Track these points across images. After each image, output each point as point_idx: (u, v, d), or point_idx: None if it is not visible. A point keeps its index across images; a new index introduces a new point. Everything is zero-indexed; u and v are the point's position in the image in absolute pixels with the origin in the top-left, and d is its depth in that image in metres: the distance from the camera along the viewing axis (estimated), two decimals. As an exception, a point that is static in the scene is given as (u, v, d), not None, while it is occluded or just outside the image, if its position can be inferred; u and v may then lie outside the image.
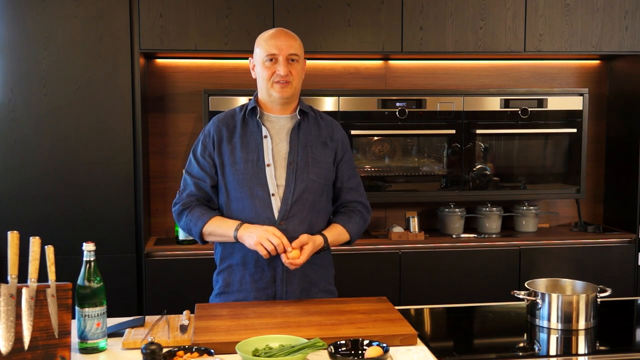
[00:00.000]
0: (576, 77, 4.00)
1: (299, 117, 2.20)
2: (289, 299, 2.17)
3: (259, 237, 2.03)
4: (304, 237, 2.08)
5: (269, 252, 2.03)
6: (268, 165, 2.15)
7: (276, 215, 2.13)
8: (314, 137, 2.21)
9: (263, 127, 2.18)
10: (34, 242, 1.68)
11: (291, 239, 2.10)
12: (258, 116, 2.18)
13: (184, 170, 2.27)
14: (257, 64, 2.17)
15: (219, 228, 2.14)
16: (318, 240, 2.13)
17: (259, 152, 2.16)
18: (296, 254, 2.05)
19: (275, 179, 2.14)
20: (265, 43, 2.14)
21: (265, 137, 2.17)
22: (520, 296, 2.09)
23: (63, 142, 3.27)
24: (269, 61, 2.13)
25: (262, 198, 2.13)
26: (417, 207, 3.89)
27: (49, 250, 1.72)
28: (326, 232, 2.19)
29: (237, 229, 2.10)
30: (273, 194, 2.14)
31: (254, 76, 2.22)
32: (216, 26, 3.36)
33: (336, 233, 2.22)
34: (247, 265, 2.18)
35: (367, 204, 2.32)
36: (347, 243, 2.28)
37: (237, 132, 2.18)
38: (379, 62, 3.83)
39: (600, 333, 2.01)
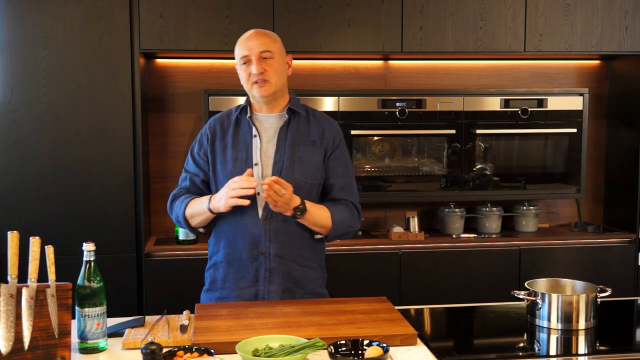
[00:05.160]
0: (576, 77, 4.00)
1: (287, 116, 2.20)
2: (271, 299, 2.14)
3: (226, 196, 2.03)
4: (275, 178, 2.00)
5: (249, 197, 2.03)
6: (256, 164, 2.16)
7: (260, 213, 2.14)
8: (302, 136, 2.20)
9: (253, 126, 2.20)
10: (34, 242, 1.68)
11: (276, 237, 2.12)
12: (248, 115, 2.20)
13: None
14: (237, 67, 2.21)
15: (196, 209, 2.17)
16: (296, 197, 2.05)
17: (247, 152, 2.17)
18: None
19: (262, 178, 2.14)
20: (239, 46, 2.17)
21: (255, 136, 2.19)
22: (520, 296, 2.09)
23: (63, 142, 3.27)
24: (243, 64, 2.16)
25: (247, 197, 2.09)
26: (417, 207, 3.89)
27: (49, 250, 1.72)
28: (305, 201, 2.10)
29: (209, 202, 2.11)
30: (258, 193, 2.12)
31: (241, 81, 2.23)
32: (216, 26, 3.36)
33: (317, 206, 2.13)
34: (231, 263, 2.19)
35: (357, 205, 2.24)
36: (331, 232, 2.16)
37: (230, 131, 2.22)
38: (379, 62, 3.83)
39: (600, 333, 2.01)
